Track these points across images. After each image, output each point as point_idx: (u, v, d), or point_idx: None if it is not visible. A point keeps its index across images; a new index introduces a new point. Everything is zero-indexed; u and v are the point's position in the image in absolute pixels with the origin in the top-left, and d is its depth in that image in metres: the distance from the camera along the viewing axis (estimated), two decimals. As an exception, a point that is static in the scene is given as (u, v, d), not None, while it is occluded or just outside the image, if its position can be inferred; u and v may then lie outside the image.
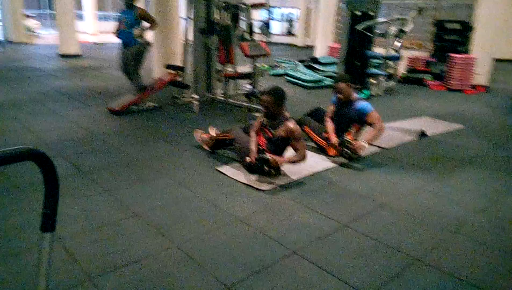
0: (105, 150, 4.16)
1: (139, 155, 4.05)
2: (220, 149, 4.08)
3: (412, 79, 9.46)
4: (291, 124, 3.42)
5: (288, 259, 2.39)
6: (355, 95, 4.24)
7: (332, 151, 4.14)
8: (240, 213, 2.92)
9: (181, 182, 3.42)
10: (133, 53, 5.71)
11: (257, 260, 2.36)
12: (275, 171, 3.36)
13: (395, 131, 5.12)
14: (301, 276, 2.23)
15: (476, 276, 2.29)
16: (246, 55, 5.67)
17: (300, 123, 4.24)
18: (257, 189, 3.30)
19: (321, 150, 4.20)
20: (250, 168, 3.55)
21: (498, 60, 9.02)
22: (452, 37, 9.32)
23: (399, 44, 8.21)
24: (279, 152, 3.53)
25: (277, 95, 3.47)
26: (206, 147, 4.12)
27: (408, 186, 3.54)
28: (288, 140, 3.47)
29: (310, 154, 3.84)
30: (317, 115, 4.52)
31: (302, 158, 3.47)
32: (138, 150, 4.19)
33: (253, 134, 3.68)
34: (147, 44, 5.85)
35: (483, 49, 8.36)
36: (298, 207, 3.06)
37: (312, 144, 4.28)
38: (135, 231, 2.63)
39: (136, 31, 5.60)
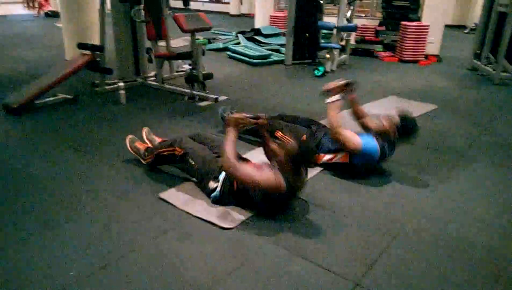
0: (-9, 175, 2.90)
1: (41, 177, 2.85)
2: (163, 165, 2.99)
3: (361, 51, 8.75)
4: None
5: None
6: None
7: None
8: (203, 277, 1.93)
9: (107, 225, 2.33)
10: None
11: None
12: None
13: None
14: None
15: None
16: (184, 30, 4.51)
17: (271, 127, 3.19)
18: (221, 227, 2.32)
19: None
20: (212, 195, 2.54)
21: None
22: (402, 3, 8.69)
23: (349, 13, 7.43)
24: None
25: None
26: (143, 161, 3.01)
27: (410, 197, 2.77)
28: None
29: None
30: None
31: None
32: (41, 169, 2.98)
33: None
34: None
35: (435, 16, 7.86)
36: (284, 255, 2.12)
37: None
38: None
39: None
